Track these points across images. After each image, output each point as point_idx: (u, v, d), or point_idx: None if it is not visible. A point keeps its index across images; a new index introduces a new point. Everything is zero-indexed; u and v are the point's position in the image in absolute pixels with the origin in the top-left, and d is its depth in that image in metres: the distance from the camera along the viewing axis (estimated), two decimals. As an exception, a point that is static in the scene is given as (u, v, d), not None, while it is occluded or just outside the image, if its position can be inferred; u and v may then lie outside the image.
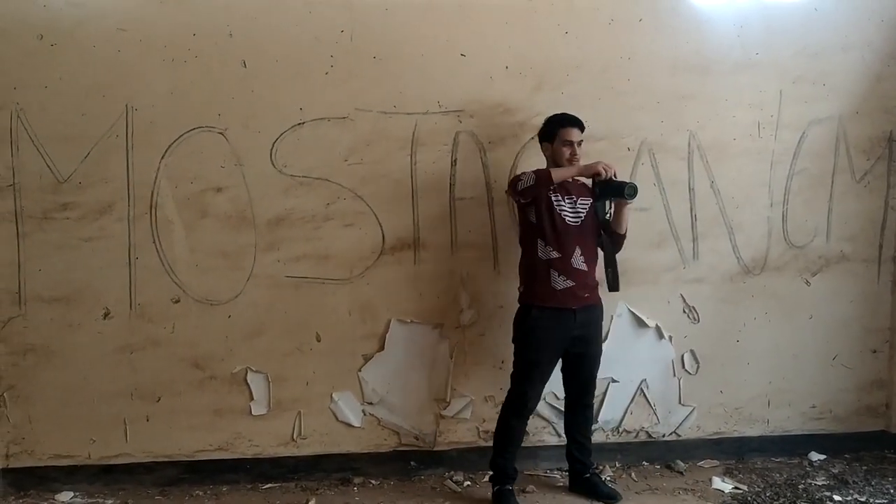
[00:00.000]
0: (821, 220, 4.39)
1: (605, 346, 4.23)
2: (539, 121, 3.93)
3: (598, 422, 4.31)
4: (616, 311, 4.27)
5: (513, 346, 3.85)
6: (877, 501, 3.87)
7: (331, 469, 4.18)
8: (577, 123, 3.76)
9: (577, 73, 4.13)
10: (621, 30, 4.14)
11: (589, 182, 3.80)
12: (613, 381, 4.32)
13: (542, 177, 3.64)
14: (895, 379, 4.47)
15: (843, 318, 4.45)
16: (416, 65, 4.04)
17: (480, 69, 4.08)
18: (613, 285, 3.85)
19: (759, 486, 4.07)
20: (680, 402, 4.39)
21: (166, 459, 4.12)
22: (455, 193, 4.14)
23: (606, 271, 3.85)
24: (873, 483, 4.09)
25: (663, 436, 4.40)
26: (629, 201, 3.71)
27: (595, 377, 3.93)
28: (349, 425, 4.19)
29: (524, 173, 3.71)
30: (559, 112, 3.83)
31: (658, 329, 4.32)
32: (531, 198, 3.69)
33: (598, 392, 4.24)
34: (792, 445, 4.47)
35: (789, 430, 4.49)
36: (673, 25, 4.17)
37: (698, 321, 4.35)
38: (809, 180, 4.35)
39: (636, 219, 4.21)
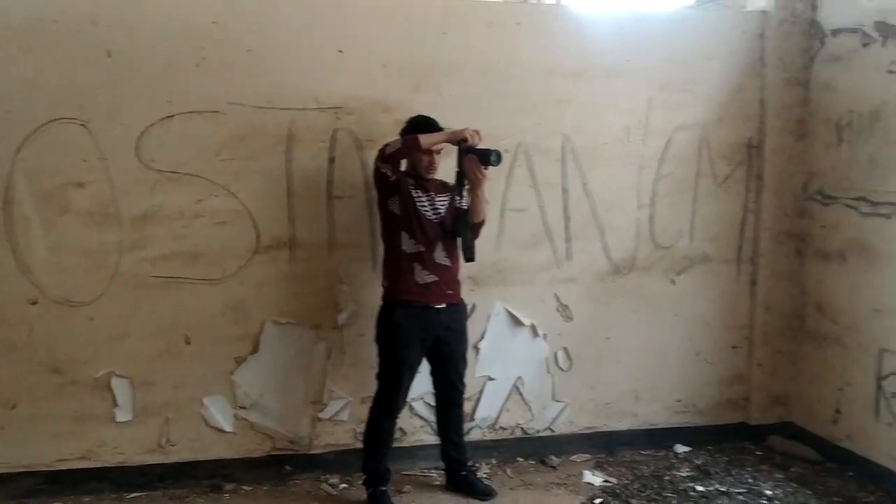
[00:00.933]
0: (685, 223, 4.58)
1: (482, 344, 4.31)
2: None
3: (474, 419, 4.36)
4: (493, 310, 4.33)
5: (377, 345, 3.82)
6: (736, 490, 4.07)
7: (201, 476, 4.05)
8: (436, 126, 3.73)
9: (456, 75, 4.16)
10: (500, 33, 4.19)
11: (449, 180, 3.81)
12: (490, 378, 4.37)
13: (409, 141, 3.60)
14: (753, 373, 4.72)
15: (705, 316, 4.66)
16: (292, 59, 3.96)
17: (359, 66, 4.04)
18: (468, 255, 3.79)
19: (627, 479, 4.22)
20: (554, 399, 4.49)
21: (24, 469, 3.90)
22: (333, 191, 4.08)
23: (464, 238, 3.77)
24: (733, 473, 4.30)
25: (538, 432, 4.50)
26: (486, 170, 3.64)
27: (463, 376, 3.95)
28: (220, 430, 4.07)
29: (392, 140, 3.66)
30: (420, 114, 3.81)
31: (533, 328, 4.41)
32: (397, 164, 3.63)
33: (474, 390, 4.31)
34: (659, 438, 4.65)
35: (656, 424, 4.67)
36: (551, 30, 4.26)
37: (571, 320, 4.46)
38: (675, 184, 4.53)
39: (513, 219, 4.29)
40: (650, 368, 4.61)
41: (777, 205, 4.62)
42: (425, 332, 3.74)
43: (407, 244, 3.71)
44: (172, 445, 4.02)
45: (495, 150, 3.59)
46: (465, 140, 3.63)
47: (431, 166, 3.75)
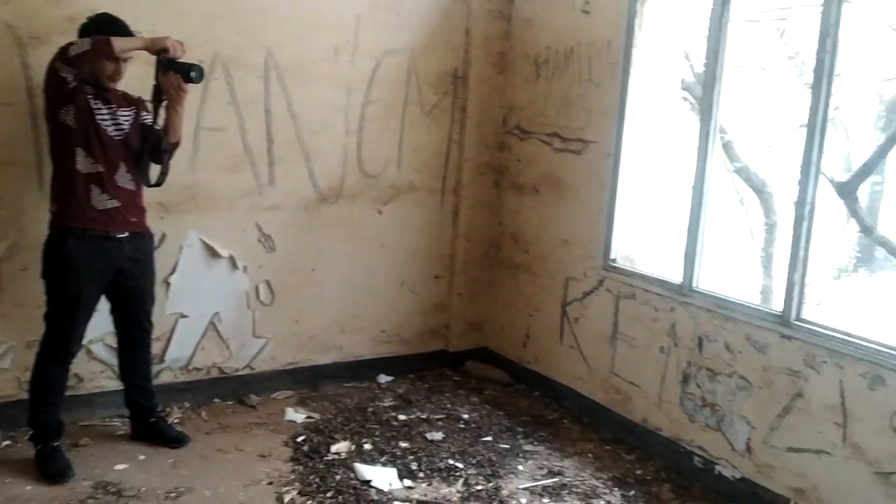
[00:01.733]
0: (393, 151, 4.48)
1: (172, 279, 3.90)
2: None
3: (164, 361, 3.96)
4: (185, 240, 3.91)
5: (43, 280, 3.26)
6: (436, 417, 4.14)
7: None
8: (125, 30, 3.19)
9: (140, -31, 3.59)
10: (191, -76, 3.68)
11: (133, 94, 3.34)
12: (183, 316, 3.97)
13: (100, 43, 3.03)
14: (454, 302, 4.82)
15: (410, 246, 4.64)
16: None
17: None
18: (159, 179, 3.40)
19: (331, 413, 4.10)
20: (254, 335, 4.22)
21: None
22: (-15, 98, 3.36)
23: (161, 161, 3.37)
24: (433, 400, 4.38)
25: (236, 370, 4.21)
26: (185, 89, 3.24)
27: (150, 314, 3.53)
28: None
29: (78, 40, 3.07)
30: (104, 11, 3.22)
31: (232, 259, 4.06)
32: (81, 69, 3.07)
33: (164, 329, 3.90)
34: (363, 370, 4.60)
35: (361, 356, 4.60)
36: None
37: (274, 251, 4.18)
38: (383, 110, 4.40)
39: (209, 139, 3.88)
40: (356, 300, 4.50)
41: (479, 137, 4.69)
42: (104, 264, 3.25)
43: (83, 163, 3.16)
44: None
45: (198, 65, 3.21)
46: (167, 50, 3.14)
47: (117, 74, 3.21)
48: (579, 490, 3.47)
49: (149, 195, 3.44)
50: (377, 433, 3.89)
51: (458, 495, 3.35)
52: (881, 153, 4.56)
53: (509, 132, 4.72)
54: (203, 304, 4.02)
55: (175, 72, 3.19)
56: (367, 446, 3.73)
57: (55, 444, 3.35)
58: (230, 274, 4.08)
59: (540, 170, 4.50)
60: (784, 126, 5.29)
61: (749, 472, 3.38)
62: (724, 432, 3.49)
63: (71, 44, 3.04)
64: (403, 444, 3.78)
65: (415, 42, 4.42)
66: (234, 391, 4.19)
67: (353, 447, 3.71)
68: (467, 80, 4.60)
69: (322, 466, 3.51)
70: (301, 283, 4.30)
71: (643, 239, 4.10)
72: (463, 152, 4.67)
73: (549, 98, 4.41)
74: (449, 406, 4.31)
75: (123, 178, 3.26)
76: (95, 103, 3.17)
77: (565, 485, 3.51)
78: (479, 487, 3.43)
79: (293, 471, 3.47)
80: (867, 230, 4.70)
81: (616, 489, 3.50)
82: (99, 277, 3.26)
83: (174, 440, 3.62)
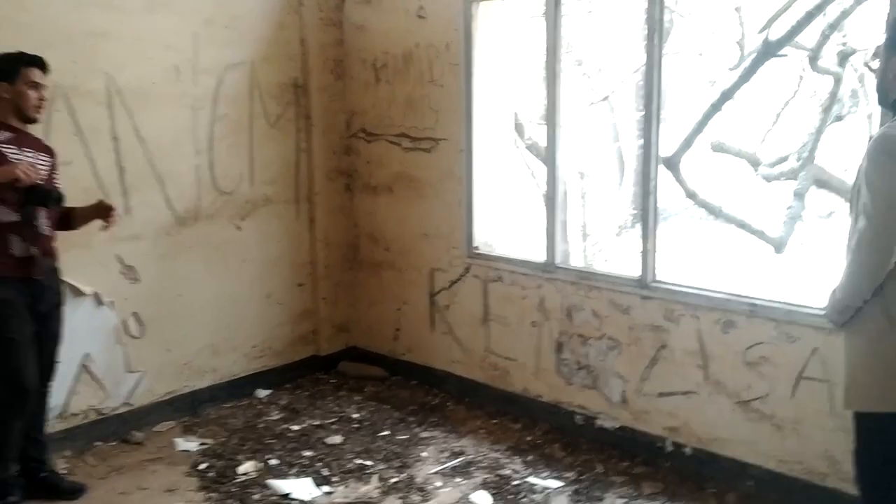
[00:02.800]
0: (244, 166, 4.46)
1: (36, 325, 3.66)
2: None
3: (38, 413, 3.72)
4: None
5: None
6: (329, 421, 4.23)
7: None
8: (43, 64, 3.21)
9: (-40, -2, 3.32)
10: (13, -52, 3.45)
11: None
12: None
13: None
14: (319, 307, 4.90)
15: (272, 258, 4.66)
16: None
17: None
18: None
19: (223, 436, 4.06)
20: (128, 370, 4.06)
21: None
22: None
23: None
24: (318, 405, 4.45)
25: (115, 409, 4.03)
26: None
27: (57, 360, 3.38)
28: None
29: None
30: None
31: (97, 296, 3.89)
32: None
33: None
34: (240, 387, 4.56)
35: (236, 374, 4.56)
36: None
37: (139, 281, 4.05)
38: (231, 126, 4.36)
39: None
40: (225, 319, 4.46)
41: (326, 144, 4.79)
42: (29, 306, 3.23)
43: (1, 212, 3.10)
44: None
45: (55, 190, 3.23)
46: (18, 180, 3.03)
47: (42, 102, 3.25)
48: (484, 464, 3.74)
49: None
50: (278, 447, 3.92)
51: (378, 491, 3.50)
52: (697, 131, 5.23)
53: (354, 136, 4.85)
54: (72, 346, 3.77)
55: (35, 200, 3.14)
56: (274, 461, 3.76)
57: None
58: (96, 311, 3.90)
59: (392, 170, 4.69)
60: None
61: (627, 420, 3.82)
62: (600, 389, 3.91)
63: None
64: (307, 453, 3.86)
65: (254, 55, 4.42)
66: (114, 431, 4.01)
67: (261, 465, 3.73)
68: (308, 88, 4.67)
69: (236, 489, 3.51)
70: (169, 311, 4.19)
71: (503, 225, 4.43)
72: (312, 160, 4.74)
73: (393, 101, 4.60)
74: (336, 409, 4.41)
75: (42, 225, 3.26)
76: (11, 149, 3.16)
77: (470, 462, 3.76)
78: (395, 480, 3.60)
79: (207, 499, 3.44)
80: (691, 195, 5.38)
81: (516, 457, 3.81)
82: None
83: (70, 491, 3.45)
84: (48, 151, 3.33)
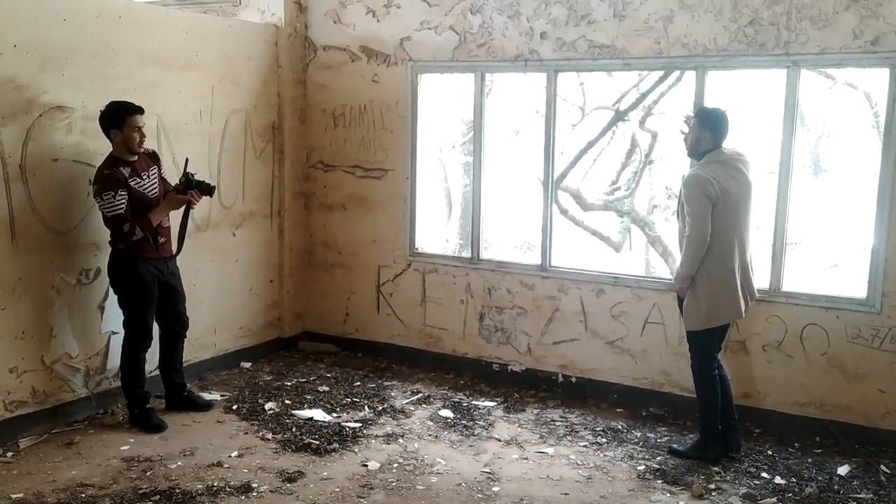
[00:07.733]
0: (239, 187, 5.82)
1: (106, 304, 4.84)
2: (47, 98, 4.33)
3: (106, 371, 4.87)
4: (113, 270, 4.87)
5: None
6: (311, 378, 5.64)
7: None
8: (142, 111, 4.43)
9: (73, 58, 4.54)
10: (106, 23, 4.71)
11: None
12: (114, 333, 4.91)
13: (146, 228, 4.51)
14: (284, 299, 6.28)
15: (254, 259, 6.01)
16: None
17: (-11, 44, 4.11)
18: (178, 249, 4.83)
19: (235, 390, 5.36)
20: (161, 341, 5.27)
21: None
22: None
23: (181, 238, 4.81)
24: (296, 370, 5.84)
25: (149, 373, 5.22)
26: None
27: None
28: None
29: (127, 223, 4.46)
30: (121, 100, 4.48)
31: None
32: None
33: (100, 346, 4.84)
34: (230, 360, 5.85)
35: (228, 349, 5.85)
36: (146, 24, 4.95)
37: (171, 272, 5.29)
38: (232, 156, 5.72)
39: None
40: (223, 305, 5.75)
41: (293, 172, 6.23)
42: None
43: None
44: None
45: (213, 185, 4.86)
46: (192, 203, 4.70)
47: (143, 141, 4.51)
48: (438, 397, 5.36)
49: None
50: (283, 394, 5.30)
51: (372, 413, 5.01)
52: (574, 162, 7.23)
53: (312, 166, 6.33)
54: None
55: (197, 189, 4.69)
56: (287, 402, 5.15)
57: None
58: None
59: (345, 192, 6.22)
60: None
61: (531, 364, 5.60)
62: (512, 344, 5.65)
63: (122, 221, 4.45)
64: (308, 397, 5.27)
65: (248, 104, 5.82)
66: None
67: (279, 404, 5.10)
68: (282, 129, 6.12)
69: (270, 419, 4.87)
70: (188, 296, 5.43)
71: (438, 232, 6.09)
72: (283, 184, 6.17)
73: (349, 140, 6.15)
74: (310, 372, 5.83)
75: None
76: (134, 180, 4.51)
77: (429, 396, 5.36)
78: (381, 408, 5.12)
79: (253, 424, 4.79)
80: (563, 211, 7.40)
81: (458, 392, 5.46)
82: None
83: (204, 406, 4.99)
84: (154, 157, 4.68)
